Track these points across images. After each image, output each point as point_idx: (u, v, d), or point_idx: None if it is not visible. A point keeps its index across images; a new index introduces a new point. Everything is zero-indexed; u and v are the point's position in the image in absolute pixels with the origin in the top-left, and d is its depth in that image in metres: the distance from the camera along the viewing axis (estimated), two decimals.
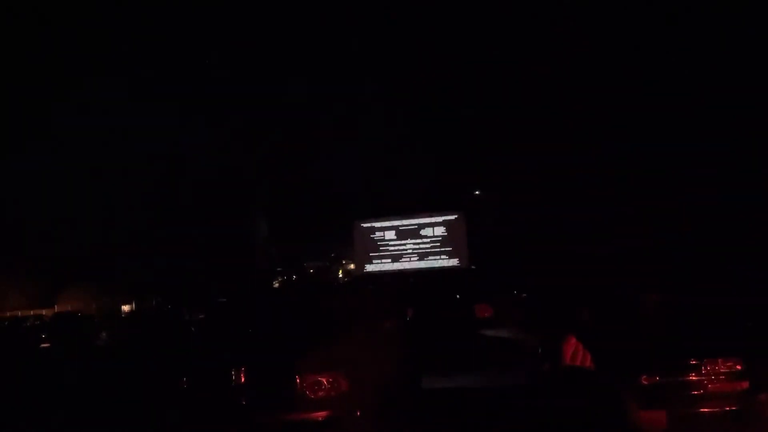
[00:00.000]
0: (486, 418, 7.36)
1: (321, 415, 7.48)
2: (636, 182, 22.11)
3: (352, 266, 32.46)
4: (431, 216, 27.48)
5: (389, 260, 27.86)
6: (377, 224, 28.16)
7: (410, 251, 27.58)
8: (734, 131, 19.31)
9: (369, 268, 28.13)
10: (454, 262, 27.07)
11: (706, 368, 6.82)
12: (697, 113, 20.88)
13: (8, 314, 27.41)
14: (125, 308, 31.61)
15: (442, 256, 27.21)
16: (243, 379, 10.22)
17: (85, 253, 31.08)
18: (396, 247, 27.75)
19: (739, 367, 6.83)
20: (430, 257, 27.30)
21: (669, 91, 22.35)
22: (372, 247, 28.06)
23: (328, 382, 7.80)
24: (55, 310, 30.02)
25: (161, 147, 33.17)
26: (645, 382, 6.66)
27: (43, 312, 29.27)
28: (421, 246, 27.45)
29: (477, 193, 29.81)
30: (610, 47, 24.11)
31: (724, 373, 6.79)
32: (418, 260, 27.44)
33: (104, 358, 14.67)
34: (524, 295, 21.90)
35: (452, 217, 27.27)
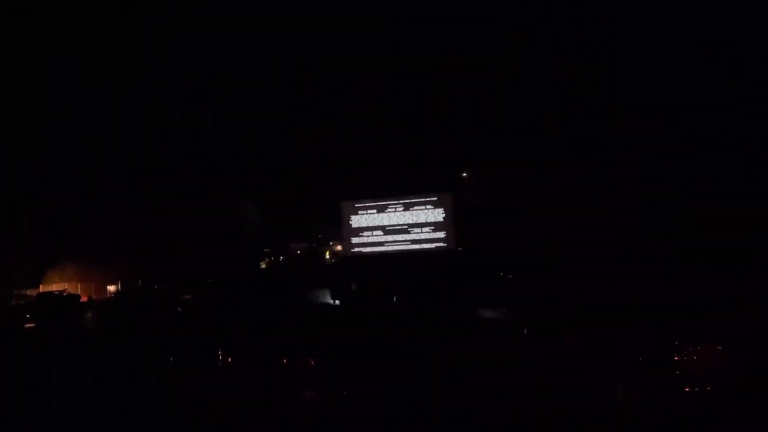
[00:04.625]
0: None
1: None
2: (627, 165, 22.18)
3: (339, 247, 32.43)
4: (420, 206, 27.68)
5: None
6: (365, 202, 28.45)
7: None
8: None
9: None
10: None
11: (689, 350, 6.96)
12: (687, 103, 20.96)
13: None
14: (111, 289, 31.43)
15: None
16: (230, 359, 10.29)
17: (70, 233, 30.75)
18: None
19: (720, 348, 6.99)
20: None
21: (656, 76, 22.39)
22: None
23: (305, 365, 9.35)
24: (40, 290, 29.82)
25: (148, 128, 32.69)
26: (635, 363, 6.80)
27: (28, 292, 29.02)
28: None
29: (464, 174, 29.78)
30: (597, 33, 24.04)
31: (706, 356, 6.94)
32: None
33: (90, 338, 14.64)
34: (510, 276, 22.06)
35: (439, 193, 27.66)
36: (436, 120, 30.11)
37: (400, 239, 27.62)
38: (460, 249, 27.00)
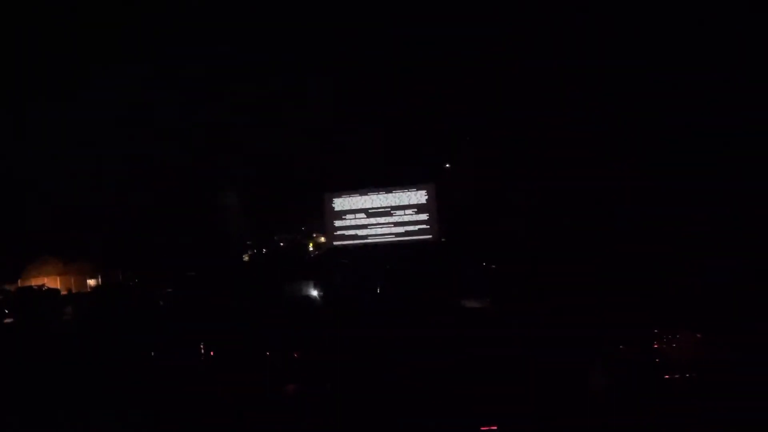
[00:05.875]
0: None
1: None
2: (609, 162, 22.27)
3: (322, 239, 32.39)
4: (403, 189, 27.72)
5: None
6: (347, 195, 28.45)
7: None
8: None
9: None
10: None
11: (667, 338, 7.02)
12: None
13: None
14: (91, 282, 31.07)
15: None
16: (212, 353, 10.23)
17: (50, 226, 30.37)
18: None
19: (699, 336, 7.07)
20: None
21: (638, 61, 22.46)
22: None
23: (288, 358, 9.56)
24: (19, 285, 29.40)
25: (128, 117, 32.34)
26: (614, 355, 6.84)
27: (7, 286, 28.61)
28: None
29: (447, 166, 29.82)
30: (588, 31, 24.07)
31: (685, 343, 7.01)
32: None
33: (70, 332, 14.48)
34: (493, 266, 22.14)
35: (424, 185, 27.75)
36: (420, 113, 30.11)
37: (383, 221, 27.71)
38: (443, 240, 27.08)
